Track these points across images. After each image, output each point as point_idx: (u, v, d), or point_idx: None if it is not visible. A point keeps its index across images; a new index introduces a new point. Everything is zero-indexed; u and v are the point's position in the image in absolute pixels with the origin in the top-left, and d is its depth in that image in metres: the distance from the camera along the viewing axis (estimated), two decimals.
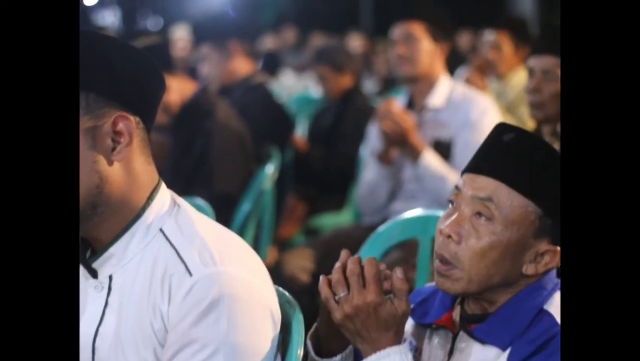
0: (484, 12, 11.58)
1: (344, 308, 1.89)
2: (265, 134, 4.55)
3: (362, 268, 1.91)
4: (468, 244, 1.92)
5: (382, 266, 1.93)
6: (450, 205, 1.98)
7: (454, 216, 1.95)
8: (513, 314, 1.93)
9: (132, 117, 1.83)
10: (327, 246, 4.09)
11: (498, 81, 5.61)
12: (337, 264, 1.94)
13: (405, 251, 3.50)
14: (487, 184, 1.93)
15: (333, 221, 5.13)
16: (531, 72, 3.31)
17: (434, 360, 2.00)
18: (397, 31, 4.08)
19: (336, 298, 1.90)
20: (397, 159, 4.05)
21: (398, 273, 1.92)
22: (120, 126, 1.82)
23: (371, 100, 6.23)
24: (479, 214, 1.92)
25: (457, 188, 1.98)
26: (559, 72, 3.24)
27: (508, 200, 1.91)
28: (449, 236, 1.94)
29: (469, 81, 5.44)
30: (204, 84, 4.60)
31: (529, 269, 1.94)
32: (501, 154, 1.95)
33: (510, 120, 4.60)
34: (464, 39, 8.30)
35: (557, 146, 3.24)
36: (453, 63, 8.07)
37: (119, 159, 1.83)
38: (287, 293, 1.94)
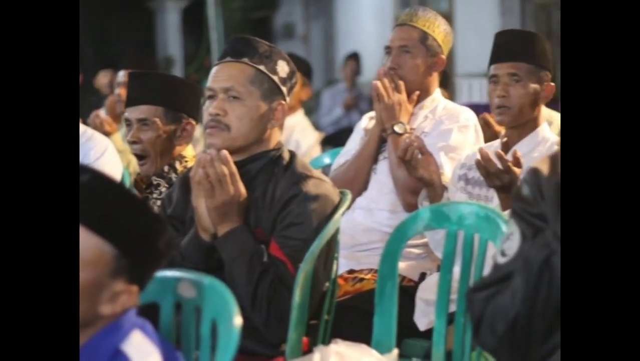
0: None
1: None
2: None
3: None
4: None
5: None
6: None
7: None
8: (90, 356, 1.91)
9: None
10: None
11: None
12: None
13: None
14: None
15: None
16: (128, 124, 3.43)
17: None
18: None
19: None
20: None
21: None
22: None
23: None
24: None
25: None
26: (154, 119, 3.36)
27: (84, 241, 1.90)
28: None
29: (97, 120, 5.41)
30: None
31: (105, 309, 1.93)
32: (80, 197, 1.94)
33: None
34: (103, 80, 8.24)
35: None
36: (96, 103, 7.99)
37: None
38: None
